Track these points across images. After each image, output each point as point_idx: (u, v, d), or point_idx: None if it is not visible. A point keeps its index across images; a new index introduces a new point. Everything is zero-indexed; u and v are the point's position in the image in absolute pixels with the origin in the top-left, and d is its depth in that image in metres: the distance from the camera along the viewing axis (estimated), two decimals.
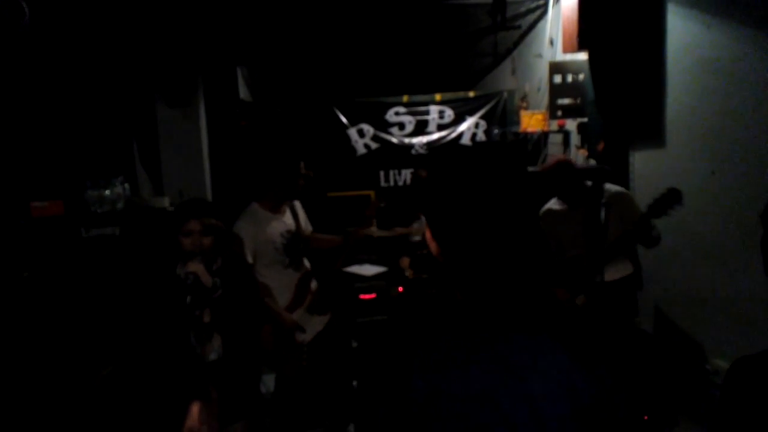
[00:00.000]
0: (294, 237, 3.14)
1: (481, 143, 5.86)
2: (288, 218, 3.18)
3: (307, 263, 3.27)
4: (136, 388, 2.92)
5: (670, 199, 2.65)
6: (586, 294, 2.99)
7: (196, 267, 2.25)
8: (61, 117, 3.86)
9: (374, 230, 4.79)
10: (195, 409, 2.16)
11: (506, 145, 5.63)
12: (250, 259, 2.98)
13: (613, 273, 3.03)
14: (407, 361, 0.90)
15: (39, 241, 3.34)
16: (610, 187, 3.11)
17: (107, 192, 3.49)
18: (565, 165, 3.14)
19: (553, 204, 3.30)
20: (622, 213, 2.99)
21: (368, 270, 4.46)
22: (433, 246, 0.98)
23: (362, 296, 4.28)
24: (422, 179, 4.17)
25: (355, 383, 3.73)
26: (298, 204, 3.33)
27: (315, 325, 3.21)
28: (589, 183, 3.16)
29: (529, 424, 0.83)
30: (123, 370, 3.00)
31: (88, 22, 3.84)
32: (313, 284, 3.27)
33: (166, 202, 3.73)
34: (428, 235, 0.99)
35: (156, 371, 2.67)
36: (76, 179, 3.60)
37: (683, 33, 3.55)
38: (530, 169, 4.76)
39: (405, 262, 4.22)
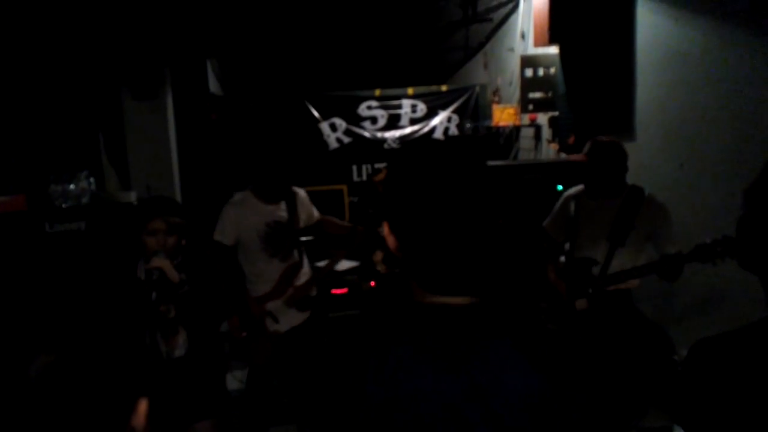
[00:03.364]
0: (281, 228, 3.10)
1: (442, 139, 5.86)
2: (280, 210, 3.13)
3: (296, 256, 3.21)
4: (78, 380, 2.88)
5: (725, 248, 2.30)
6: (589, 300, 2.79)
7: (161, 262, 2.20)
8: (23, 108, 3.74)
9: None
10: (142, 406, 2.12)
11: (469, 139, 5.65)
12: (230, 242, 2.99)
13: (622, 283, 2.81)
14: (362, 366, 0.89)
15: (1, 236, 3.23)
16: (652, 195, 2.79)
17: (71, 186, 3.39)
18: (617, 147, 2.78)
19: (578, 191, 2.99)
20: (653, 228, 2.77)
21: (340, 265, 4.43)
22: (390, 240, 0.96)
23: (334, 291, 4.26)
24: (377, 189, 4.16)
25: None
26: (300, 195, 3.29)
27: (291, 318, 3.16)
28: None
29: (484, 423, 0.82)
30: (64, 361, 2.94)
31: (51, 11, 3.73)
32: (301, 278, 3.22)
33: (132, 196, 3.64)
34: (386, 229, 0.97)
35: (102, 365, 2.63)
36: (39, 173, 3.49)
37: (652, 27, 3.59)
38: (547, 158, 4.67)
39: (378, 256, 4.20)
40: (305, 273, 3.23)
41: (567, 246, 3.09)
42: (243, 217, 3.00)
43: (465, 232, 0.89)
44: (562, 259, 3.12)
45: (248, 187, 3.12)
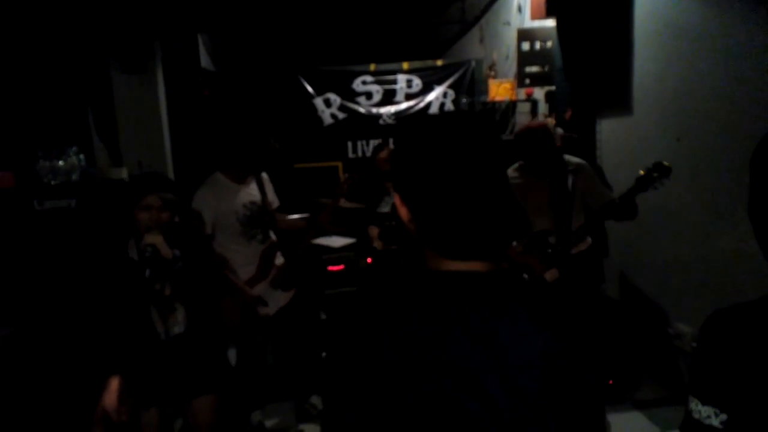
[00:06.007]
0: (258, 209, 3.06)
1: (452, 111, 5.82)
2: (253, 189, 3.08)
3: (273, 236, 3.19)
4: (39, 355, 2.86)
5: (659, 172, 2.60)
6: (558, 268, 2.91)
7: (154, 239, 2.17)
8: (10, 84, 3.67)
9: (343, 201, 4.73)
10: (114, 384, 2.07)
11: (477, 112, 5.60)
12: (209, 230, 2.90)
13: (580, 245, 3.00)
14: (377, 334, 0.87)
15: None
16: (570, 158, 3.04)
17: (61, 163, 3.34)
18: (543, 131, 2.99)
19: (511, 174, 3.13)
20: (585, 185, 2.95)
21: (336, 241, 4.41)
22: (403, 211, 0.94)
23: (330, 268, 4.25)
24: (383, 159, 4.11)
25: (323, 355, 3.71)
26: (265, 176, 3.22)
27: (278, 299, 3.15)
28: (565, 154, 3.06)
29: (503, 392, 0.81)
30: (22, 335, 2.91)
31: None
32: (279, 258, 3.20)
33: (124, 173, 3.60)
34: (397, 200, 0.95)
35: (70, 342, 2.59)
36: (28, 149, 3.43)
37: None
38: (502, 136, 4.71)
39: (374, 231, 4.17)
40: (279, 254, 3.22)
41: None
42: (220, 202, 2.91)
43: (481, 198, 0.87)
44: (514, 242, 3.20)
45: (216, 169, 3.03)
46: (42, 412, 2.74)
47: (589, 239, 3.08)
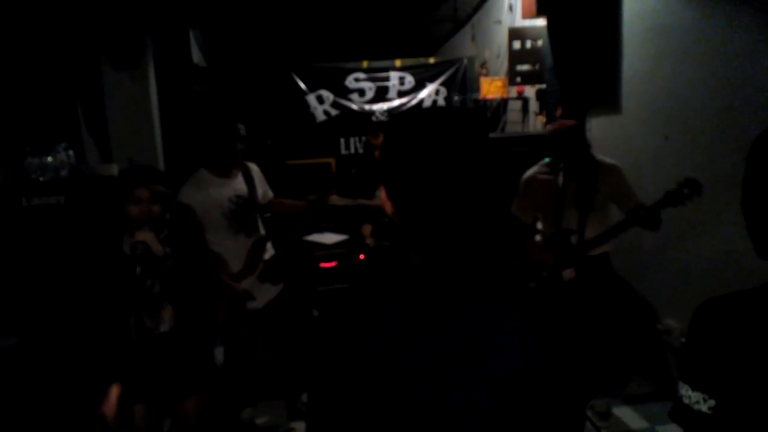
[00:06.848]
0: (245, 202, 3.04)
1: (442, 107, 5.83)
2: (239, 183, 3.06)
3: (261, 229, 3.18)
4: (43, 364, 2.84)
5: (691, 189, 2.55)
6: (576, 268, 2.91)
7: (145, 236, 2.15)
8: None
9: (336, 198, 4.73)
10: (114, 392, 2.08)
11: (466, 109, 5.62)
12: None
13: (600, 247, 2.98)
14: (359, 328, 0.87)
15: None
16: (603, 158, 3.01)
17: (49, 159, 3.30)
18: (576, 130, 2.95)
19: (538, 171, 3.13)
20: (613, 187, 2.93)
21: (329, 238, 4.41)
22: (388, 206, 0.95)
23: (323, 265, 4.24)
24: (374, 146, 4.11)
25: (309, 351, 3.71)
26: (255, 169, 3.21)
27: (266, 293, 3.14)
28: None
29: (483, 387, 0.82)
30: (28, 344, 2.89)
31: None
32: (268, 252, 3.19)
33: (114, 169, 3.56)
34: (383, 194, 0.95)
35: (72, 348, 2.58)
36: (15, 145, 3.39)
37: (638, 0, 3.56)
38: (534, 131, 4.70)
39: (367, 229, 4.18)
40: (269, 247, 3.20)
41: (539, 225, 3.25)
42: (203, 196, 2.90)
43: (464, 199, 0.87)
44: (538, 238, 3.23)
45: (200, 166, 3.02)
46: (44, 419, 2.73)
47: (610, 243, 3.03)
